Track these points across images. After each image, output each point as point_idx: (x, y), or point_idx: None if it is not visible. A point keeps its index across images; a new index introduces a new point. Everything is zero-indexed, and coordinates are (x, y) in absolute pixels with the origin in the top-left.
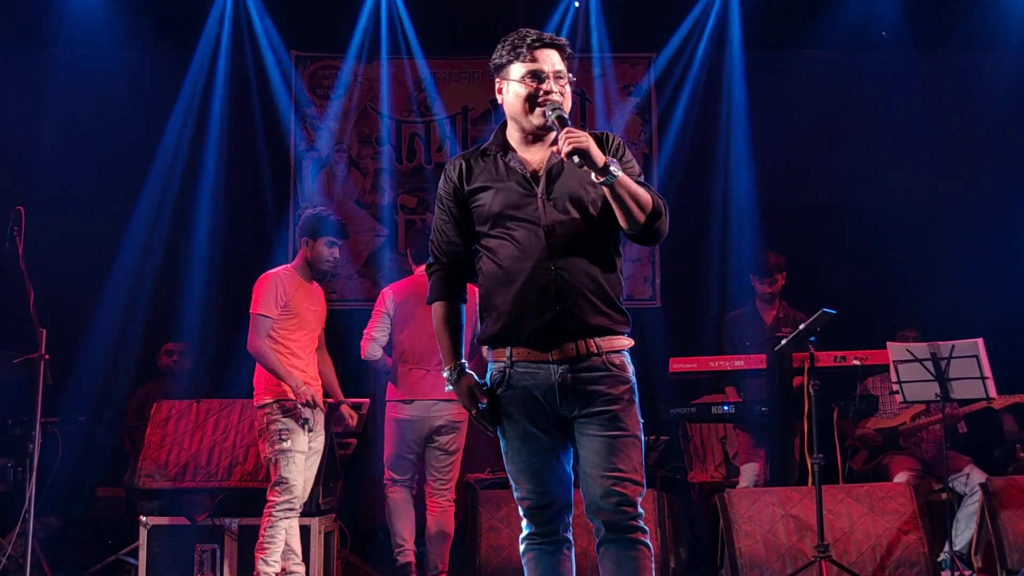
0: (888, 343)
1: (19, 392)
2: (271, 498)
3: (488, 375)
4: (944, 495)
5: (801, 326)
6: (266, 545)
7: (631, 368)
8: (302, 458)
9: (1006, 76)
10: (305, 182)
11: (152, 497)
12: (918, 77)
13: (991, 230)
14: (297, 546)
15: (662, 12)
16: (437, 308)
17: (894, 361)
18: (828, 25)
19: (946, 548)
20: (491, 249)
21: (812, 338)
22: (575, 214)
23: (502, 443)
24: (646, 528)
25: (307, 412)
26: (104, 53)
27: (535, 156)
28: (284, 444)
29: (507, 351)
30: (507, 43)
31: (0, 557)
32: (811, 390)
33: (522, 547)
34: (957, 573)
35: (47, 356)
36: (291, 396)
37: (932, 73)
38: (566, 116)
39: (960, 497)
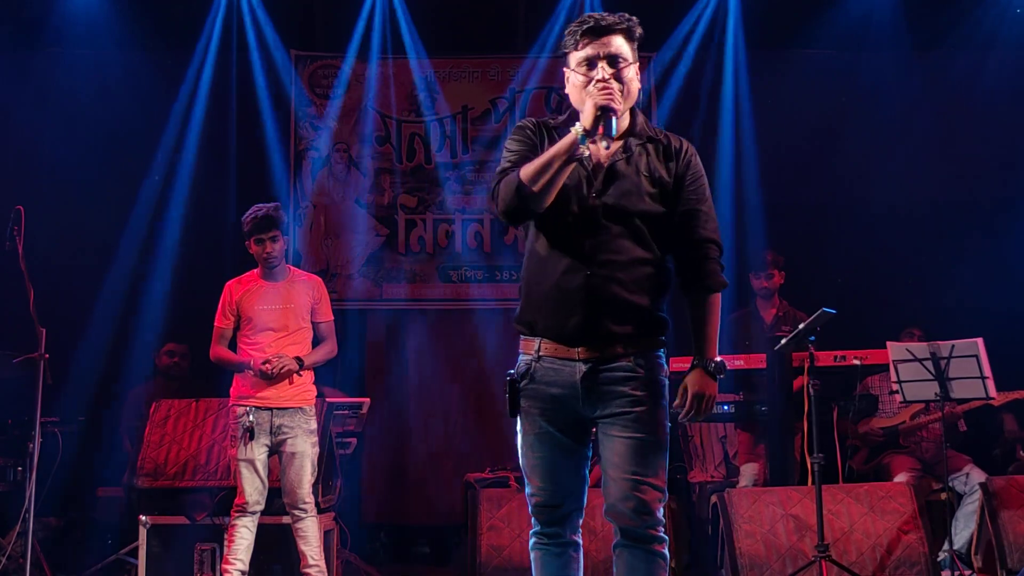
0: (888, 343)
1: (19, 392)
2: None
3: (520, 360)
4: (944, 494)
5: (801, 326)
6: (225, 544)
7: (664, 370)
8: (244, 466)
9: (1006, 76)
10: (305, 182)
11: (152, 497)
12: (918, 77)
13: (991, 230)
14: (307, 548)
15: (662, 12)
16: None
17: (894, 361)
18: (828, 25)
19: (946, 547)
20: (538, 235)
21: (812, 338)
22: (623, 219)
23: (518, 437)
24: (664, 537)
25: (248, 420)
26: (104, 53)
27: (603, 149)
28: (234, 451)
29: (536, 343)
30: (568, 32)
31: (0, 557)
32: (811, 390)
33: (531, 542)
34: (957, 572)
35: (47, 355)
36: (240, 404)
37: (932, 73)
38: (611, 106)
39: (960, 496)
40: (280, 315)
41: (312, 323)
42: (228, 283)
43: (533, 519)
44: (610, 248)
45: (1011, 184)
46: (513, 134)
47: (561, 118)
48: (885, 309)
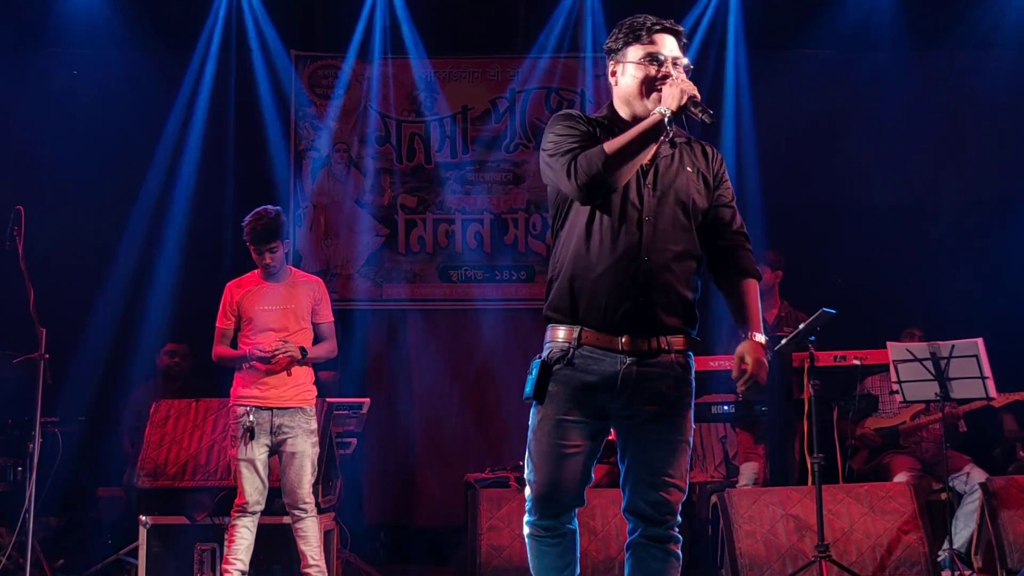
0: (888, 343)
1: (19, 392)
2: None
3: (546, 351)
4: (944, 494)
5: (801, 326)
6: (225, 544)
7: (693, 370)
8: (245, 465)
9: (1005, 76)
10: (305, 182)
11: (152, 497)
12: (918, 77)
13: (991, 230)
14: (307, 548)
15: (662, 12)
16: None
17: (894, 361)
18: (828, 25)
19: (946, 547)
20: (586, 222)
21: (812, 338)
22: (675, 210)
23: (535, 418)
24: (680, 538)
25: (248, 420)
26: (104, 53)
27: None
28: (234, 450)
29: (576, 331)
30: (625, 26)
31: (0, 557)
32: (811, 390)
33: (526, 530)
34: (957, 572)
35: (47, 356)
36: (240, 404)
37: (931, 73)
38: (696, 96)
39: (960, 496)
40: (280, 316)
41: (312, 324)
42: (228, 284)
43: (529, 507)
44: (665, 238)
45: (1011, 184)
46: (562, 121)
47: (601, 112)
48: (885, 309)
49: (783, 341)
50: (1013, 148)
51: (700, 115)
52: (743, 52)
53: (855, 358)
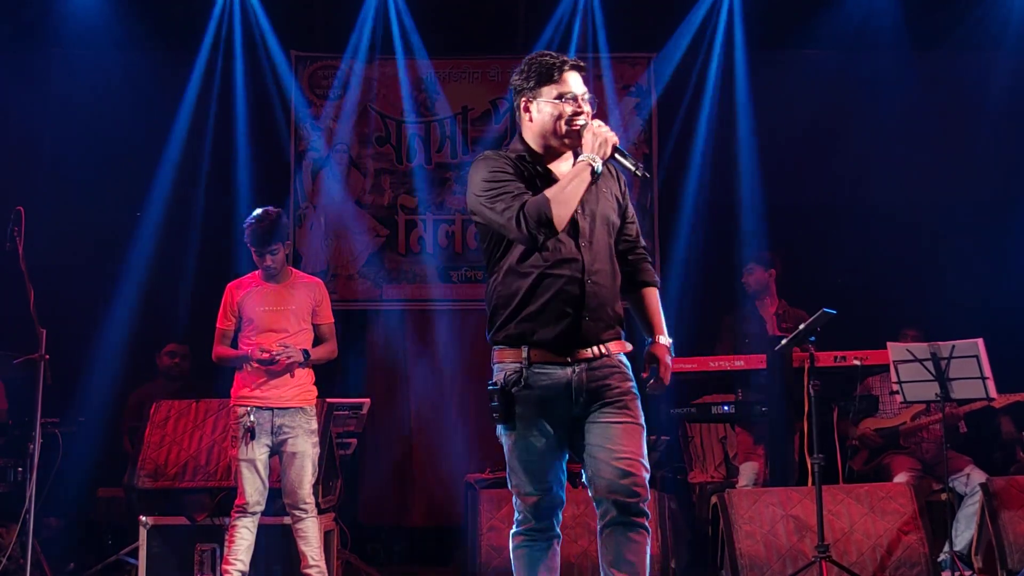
0: (888, 343)
1: (19, 392)
2: None
3: (501, 374)
4: (944, 495)
5: (801, 326)
6: (225, 544)
7: (630, 366)
8: (245, 466)
9: (1005, 76)
10: (305, 182)
11: (152, 497)
12: (917, 77)
13: (991, 230)
14: (307, 549)
15: (662, 12)
16: None
17: (894, 361)
18: (828, 25)
19: (946, 548)
20: (526, 251)
21: (812, 338)
22: (603, 232)
23: (508, 440)
24: (649, 513)
25: (249, 420)
26: (104, 53)
27: (560, 170)
28: (234, 451)
29: (524, 351)
30: (535, 65)
31: (0, 557)
32: (811, 390)
33: (515, 541)
34: (957, 573)
35: (47, 356)
36: (240, 404)
37: (931, 73)
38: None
39: (960, 497)
40: (281, 317)
41: (313, 325)
42: (229, 285)
43: (523, 518)
44: (600, 259)
45: (1011, 184)
46: (489, 163)
47: (515, 147)
48: (885, 309)
49: (783, 341)
50: (1013, 148)
51: (632, 168)
52: (743, 52)
53: (855, 358)
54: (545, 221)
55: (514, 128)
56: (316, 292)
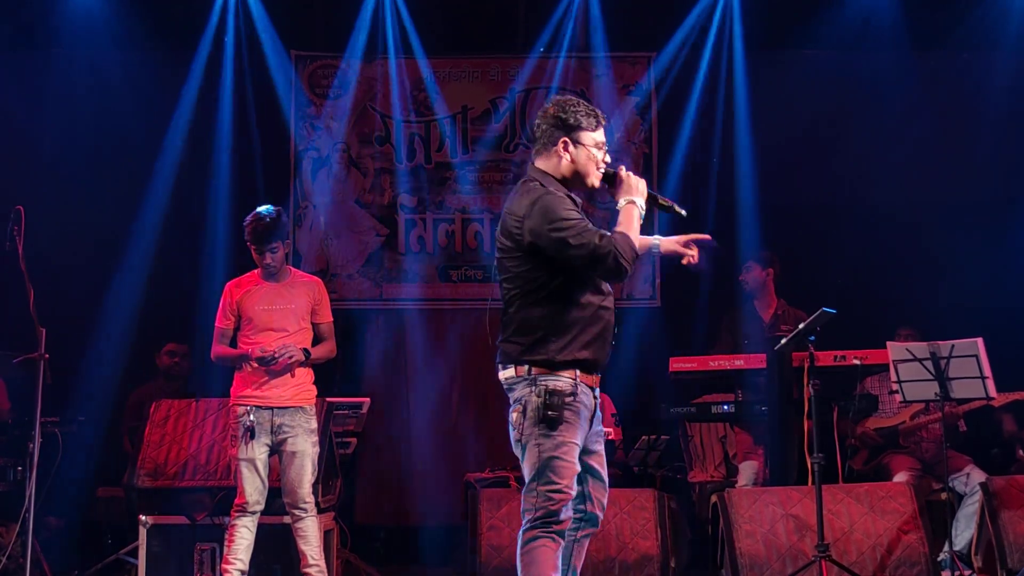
0: (888, 343)
1: (19, 392)
2: None
3: (556, 383)
4: (944, 495)
5: (801, 326)
6: (225, 543)
7: None
8: (245, 465)
9: (1005, 76)
10: (305, 182)
11: (152, 496)
12: (917, 77)
13: (991, 230)
14: (307, 548)
15: (662, 12)
16: None
17: (894, 361)
18: (828, 25)
19: (946, 548)
20: (580, 282)
21: (812, 338)
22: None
23: (551, 443)
24: None
25: (248, 420)
26: (104, 53)
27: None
28: (234, 450)
29: (574, 371)
30: (581, 111)
31: (0, 556)
32: (811, 390)
33: (539, 541)
34: (957, 573)
35: (47, 356)
36: (240, 403)
37: (931, 73)
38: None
39: (960, 497)
40: (280, 316)
41: (312, 324)
42: (228, 284)
43: (551, 516)
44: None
45: (1011, 184)
46: (562, 200)
47: (556, 186)
48: (885, 309)
49: (783, 341)
50: (1013, 148)
51: (676, 210)
52: (743, 52)
53: (855, 358)
54: (633, 258)
55: (514, 128)
56: (315, 291)
